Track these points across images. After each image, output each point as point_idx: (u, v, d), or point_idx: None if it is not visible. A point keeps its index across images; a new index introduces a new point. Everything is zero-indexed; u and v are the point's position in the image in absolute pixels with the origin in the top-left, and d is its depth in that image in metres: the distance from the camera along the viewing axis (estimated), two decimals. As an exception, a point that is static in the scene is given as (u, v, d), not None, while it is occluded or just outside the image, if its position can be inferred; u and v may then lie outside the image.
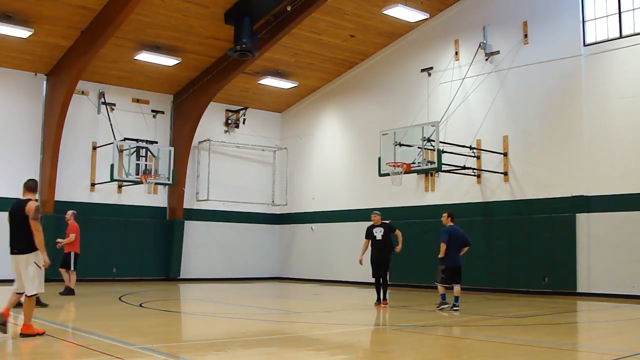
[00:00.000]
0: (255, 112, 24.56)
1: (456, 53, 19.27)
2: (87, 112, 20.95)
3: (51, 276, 14.82)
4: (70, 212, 15.00)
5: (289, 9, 18.01)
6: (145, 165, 20.20)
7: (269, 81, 22.16)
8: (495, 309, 13.40)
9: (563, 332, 9.86)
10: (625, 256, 15.30)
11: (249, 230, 24.18)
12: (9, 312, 8.16)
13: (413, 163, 16.09)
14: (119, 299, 14.38)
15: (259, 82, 22.22)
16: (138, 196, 21.82)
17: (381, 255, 13.08)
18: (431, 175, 19.54)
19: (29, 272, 8.01)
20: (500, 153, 17.91)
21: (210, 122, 23.25)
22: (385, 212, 14.39)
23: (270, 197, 24.79)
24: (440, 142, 16.07)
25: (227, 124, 24.02)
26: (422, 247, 17.28)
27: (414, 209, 19.74)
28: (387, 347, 8.34)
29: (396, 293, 16.51)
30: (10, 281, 16.90)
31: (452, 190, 18.93)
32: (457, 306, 11.99)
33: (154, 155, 20.17)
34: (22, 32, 17.20)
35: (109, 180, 19.57)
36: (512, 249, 17.44)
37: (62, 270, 14.61)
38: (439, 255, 12.24)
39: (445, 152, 16.72)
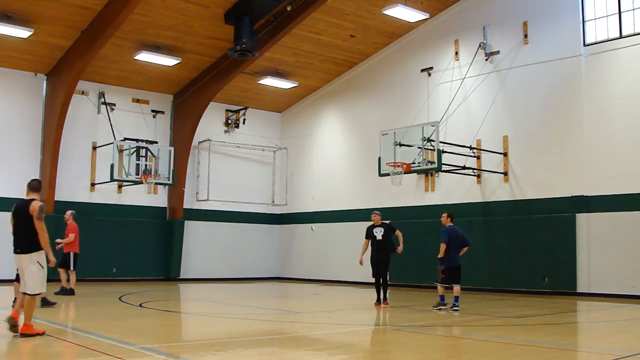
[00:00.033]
0: (255, 112, 24.57)
1: (456, 53, 19.27)
2: (87, 112, 20.95)
3: (52, 276, 14.78)
4: (69, 212, 15.00)
5: (289, 9, 18.01)
6: (145, 165, 20.20)
7: (269, 81, 22.16)
8: (495, 309, 13.40)
9: (563, 332, 9.86)
10: (625, 256, 15.30)
11: (249, 230, 24.18)
12: (19, 313, 8.22)
13: (413, 163, 16.09)
14: (119, 299, 14.38)
15: (259, 82, 22.22)
16: (138, 196, 21.83)
17: (381, 255, 13.07)
18: (431, 175, 19.55)
19: (32, 271, 8.03)
20: (500, 153, 17.91)
21: (210, 122, 23.26)
22: (385, 212, 14.40)
23: (270, 197, 24.79)
24: (440, 142, 16.07)
25: (227, 124, 24.02)
26: (422, 247, 17.28)
27: (414, 209, 19.74)
28: (387, 347, 8.34)
29: (396, 293, 16.50)
30: (10, 281, 16.87)
31: (452, 190, 18.93)
32: (457, 306, 11.98)
33: (154, 155, 20.17)
34: (22, 32, 17.20)
35: (109, 180, 19.57)
36: (512, 249, 17.44)
37: (61, 270, 14.61)
38: (439, 256, 12.25)
39: (445, 152, 16.72)
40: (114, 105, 21.42)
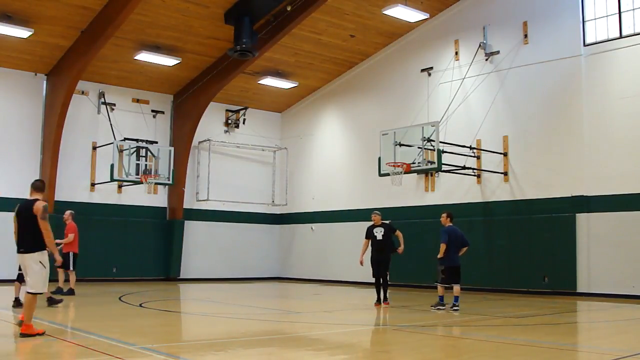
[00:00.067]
0: (255, 112, 24.57)
1: (456, 53, 19.27)
2: (87, 112, 20.95)
3: (52, 277, 14.78)
4: (68, 212, 14.98)
5: (289, 9, 18.01)
6: (145, 165, 20.21)
7: (269, 81, 22.16)
8: (495, 309, 13.40)
9: (563, 332, 9.86)
10: (625, 256, 15.30)
11: (249, 230, 24.18)
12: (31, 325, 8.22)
13: (413, 163, 16.09)
14: (119, 299, 14.38)
15: (259, 82, 22.22)
16: (138, 196, 21.83)
17: (381, 255, 13.06)
18: (431, 175, 19.55)
19: (34, 271, 8.06)
20: (500, 153, 17.91)
21: (210, 122, 23.26)
22: (385, 212, 14.40)
23: (270, 197, 24.79)
24: (440, 142, 16.07)
25: (227, 124, 24.02)
26: (422, 247, 17.28)
27: (414, 209, 19.74)
28: (387, 347, 8.34)
29: (396, 293, 16.50)
30: (10, 281, 16.84)
31: (452, 190, 18.93)
32: (457, 306, 11.99)
33: (154, 155, 20.17)
34: (22, 32, 17.20)
35: (109, 180, 19.57)
36: (512, 249, 17.44)
37: (60, 271, 14.60)
38: (438, 256, 12.25)
39: (445, 152, 16.72)
40: (114, 105, 21.42)
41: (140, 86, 21.88)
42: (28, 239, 8.13)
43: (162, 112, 22.63)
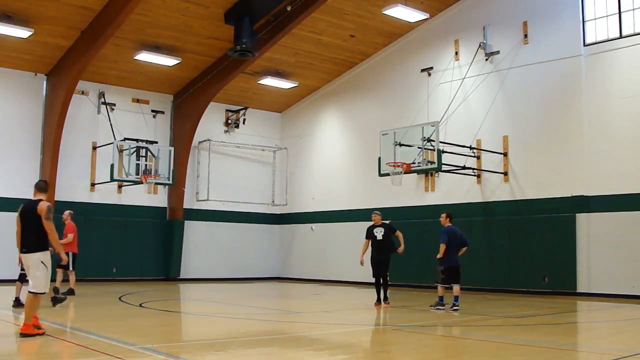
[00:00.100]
0: (255, 112, 24.57)
1: (456, 53, 19.27)
2: (87, 112, 20.95)
3: (52, 277, 14.78)
4: (67, 212, 14.97)
5: (289, 9, 18.01)
6: (145, 165, 20.21)
7: (269, 81, 22.16)
8: (495, 309, 13.40)
9: (563, 332, 9.86)
10: (625, 256, 15.30)
11: (249, 230, 24.18)
12: (37, 318, 8.33)
13: (413, 163, 16.09)
14: (119, 299, 14.38)
15: (259, 82, 22.22)
16: (138, 196, 21.83)
17: (381, 255, 13.07)
18: (431, 175, 19.54)
19: (36, 271, 8.09)
20: (500, 153, 17.91)
21: (210, 122, 23.26)
22: (385, 212, 14.40)
23: (270, 197, 24.79)
24: (440, 142, 16.07)
25: (227, 124, 24.03)
26: (422, 247, 17.27)
27: (414, 209, 19.74)
28: (387, 347, 8.34)
29: (396, 293, 16.49)
30: (10, 281, 16.81)
31: (452, 190, 18.93)
32: (457, 305, 11.99)
33: (154, 155, 20.17)
34: (22, 32, 17.20)
35: (109, 180, 19.57)
36: (512, 249, 17.44)
37: (59, 271, 14.59)
38: (438, 256, 12.25)
39: (445, 152, 16.71)
40: (114, 105, 21.42)
41: (140, 86, 21.88)
42: (31, 239, 8.17)
43: (162, 112, 22.63)
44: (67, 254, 14.47)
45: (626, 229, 15.36)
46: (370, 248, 13.32)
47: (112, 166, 19.13)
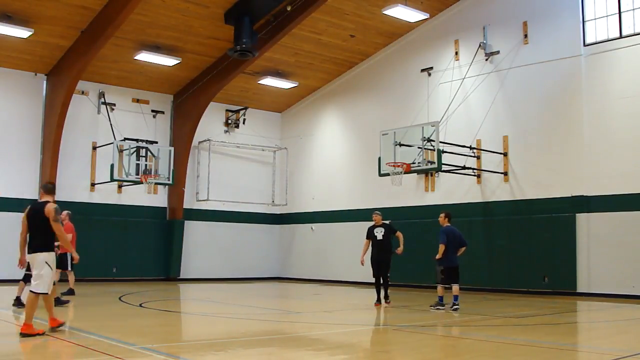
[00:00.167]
0: (255, 112, 24.57)
1: (456, 53, 19.27)
2: (87, 112, 20.95)
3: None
4: (65, 213, 14.92)
5: (289, 9, 18.01)
6: (145, 165, 20.21)
7: (269, 81, 22.16)
8: (495, 309, 13.40)
9: (563, 332, 9.86)
10: (625, 256, 15.30)
11: (249, 230, 24.18)
12: (55, 318, 8.48)
13: (413, 163, 16.09)
14: (119, 299, 14.38)
15: (259, 82, 22.22)
16: (138, 196, 21.83)
17: (382, 255, 13.07)
18: (431, 175, 19.54)
19: (40, 271, 8.15)
20: (500, 153, 17.91)
21: (210, 122, 23.26)
22: (385, 212, 14.40)
23: (270, 197, 24.79)
24: (440, 142, 16.07)
25: (227, 124, 24.03)
26: (422, 247, 17.26)
27: (414, 209, 19.74)
28: (387, 347, 8.34)
29: (396, 293, 16.49)
30: (10, 281, 16.81)
31: (452, 190, 18.93)
32: (457, 305, 12.00)
33: (154, 155, 20.17)
34: (22, 32, 17.20)
35: (109, 180, 19.57)
36: (512, 249, 17.44)
37: (57, 271, 14.56)
38: (437, 257, 12.25)
39: (445, 152, 16.72)
40: (114, 105, 21.42)
41: (140, 86, 21.88)
42: (36, 240, 8.24)
43: (162, 112, 22.63)
44: (65, 254, 14.51)
45: (626, 229, 15.36)
46: (370, 248, 13.33)
47: (112, 166, 19.13)
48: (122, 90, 21.62)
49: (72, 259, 14.57)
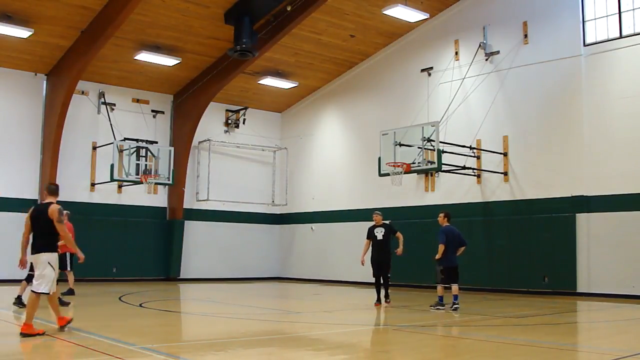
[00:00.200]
0: (255, 112, 24.57)
1: (456, 53, 19.27)
2: (87, 112, 20.96)
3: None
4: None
5: (289, 9, 18.01)
6: (145, 165, 20.21)
7: (269, 81, 22.16)
8: (495, 309, 13.40)
9: (563, 332, 9.86)
10: (625, 256, 15.30)
11: (249, 230, 24.18)
12: (62, 317, 8.51)
13: (413, 163, 16.09)
14: (119, 299, 14.38)
15: (259, 82, 22.22)
16: (138, 196, 21.82)
17: (382, 255, 13.08)
18: (431, 175, 19.54)
19: (42, 271, 8.19)
20: (500, 153, 17.91)
21: (210, 122, 23.26)
22: (385, 212, 14.40)
23: (270, 197, 24.79)
24: (440, 142, 16.07)
25: (227, 124, 24.03)
26: (422, 247, 17.24)
27: (414, 209, 19.74)
28: (387, 347, 8.34)
29: (396, 293, 16.48)
30: (10, 281, 16.82)
31: (452, 190, 18.93)
32: (457, 304, 12.01)
33: (154, 155, 20.17)
34: (22, 32, 17.20)
35: (109, 180, 19.58)
36: (512, 249, 17.44)
37: (57, 271, 14.56)
38: (436, 257, 12.26)
39: (445, 152, 16.72)
40: (114, 105, 21.42)
41: (140, 86, 21.88)
42: (40, 240, 8.29)
43: (162, 112, 22.63)
44: (64, 254, 14.51)
45: (626, 229, 15.36)
46: (370, 248, 13.33)
47: (112, 166, 19.13)
48: (122, 90, 21.62)
49: (71, 259, 14.62)
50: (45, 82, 20.23)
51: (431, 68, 19.87)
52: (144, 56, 19.40)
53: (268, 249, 24.64)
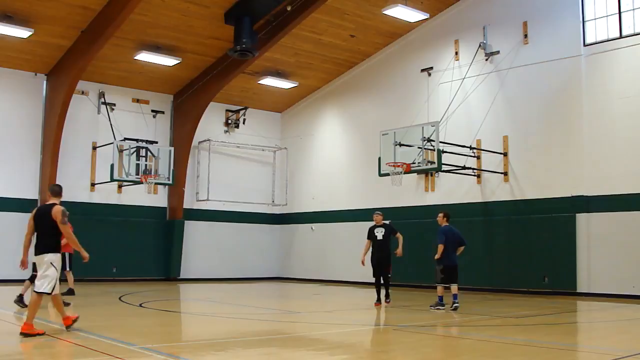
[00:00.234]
0: (255, 112, 24.57)
1: (456, 53, 19.27)
2: (87, 112, 20.95)
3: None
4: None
5: (289, 9, 18.01)
6: (145, 165, 20.21)
7: (269, 81, 22.16)
8: (495, 309, 13.40)
9: (563, 332, 9.86)
10: (625, 256, 15.30)
11: (249, 230, 24.18)
12: (67, 316, 8.49)
13: (413, 163, 16.09)
14: (119, 299, 14.38)
15: (259, 82, 22.22)
16: (138, 196, 21.81)
17: (382, 255, 13.08)
18: (431, 175, 19.54)
19: (44, 272, 8.21)
20: (500, 153, 17.91)
21: (210, 122, 23.26)
22: (385, 212, 14.40)
23: (270, 197, 24.79)
24: (440, 142, 16.07)
25: (227, 124, 24.02)
26: (422, 247, 17.25)
27: (414, 209, 19.74)
28: (387, 347, 8.34)
29: (396, 293, 16.47)
30: (10, 281, 16.82)
31: (452, 190, 18.93)
32: (457, 302, 12.03)
33: (154, 155, 20.17)
34: (22, 32, 17.20)
35: (109, 180, 19.58)
36: (512, 249, 17.44)
37: None
38: (436, 257, 12.26)
39: (445, 152, 16.72)
40: (114, 105, 21.42)
41: (140, 86, 21.88)
42: (43, 241, 8.33)
43: (162, 112, 22.63)
44: (63, 254, 14.49)
45: (626, 229, 15.36)
46: (370, 248, 13.34)
47: (112, 166, 19.13)
48: (122, 90, 21.62)
49: (70, 258, 14.63)
50: (45, 82, 20.23)
51: (431, 68, 19.87)
52: (144, 56, 19.40)
53: (268, 249, 24.64)
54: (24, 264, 8.68)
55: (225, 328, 10.07)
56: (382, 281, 13.12)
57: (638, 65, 15.67)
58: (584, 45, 16.62)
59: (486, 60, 18.39)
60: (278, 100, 24.36)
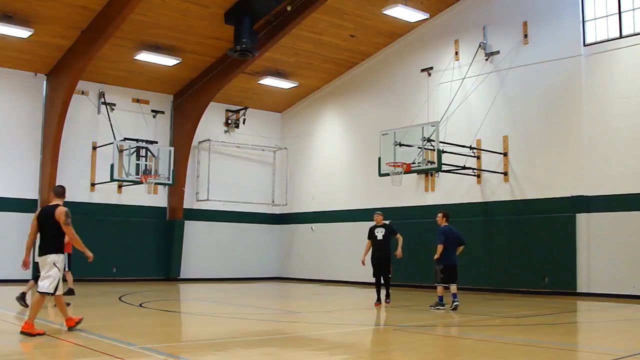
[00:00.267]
0: (255, 112, 24.57)
1: (456, 53, 19.27)
2: (87, 112, 20.96)
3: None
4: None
5: (289, 9, 18.01)
6: (145, 165, 20.21)
7: (269, 81, 22.16)
8: (495, 309, 13.40)
9: (563, 332, 9.86)
10: (625, 256, 15.30)
11: (249, 230, 24.18)
12: (70, 318, 8.55)
13: (413, 163, 16.09)
14: (119, 299, 14.38)
15: (259, 82, 22.22)
16: (138, 196, 21.81)
17: (382, 255, 13.07)
18: (431, 175, 19.54)
19: (47, 272, 8.24)
20: (500, 153, 17.91)
21: (210, 122, 23.26)
22: (385, 212, 14.40)
23: (270, 197, 24.79)
24: (440, 142, 16.08)
25: (227, 124, 24.02)
26: (422, 247, 17.24)
27: (413, 209, 19.74)
28: (387, 347, 8.34)
29: (396, 293, 16.47)
30: (10, 281, 16.81)
31: (452, 190, 18.93)
32: (456, 301, 12.05)
33: (154, 155, 20.17)
34: (22, 32, 17.20)
35: (109, 180, 19.58)
36: (512, 249, 17.44)
37: None
38: (435, 257, 12.26)
39: (445, 152, 16.72)
40: (114, 105, 21.42)
41: (140, 86, 21.88)
42: (47, 242, 8.37)
43: (162, 112, 22.63)
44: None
45: (626, 229, 15.36)
46: (371, 248, 13.34)
47: (112, 166, 19.13)
48: (122, 90, 21.62)
49: (69, 259, 14.61)
50: (45, 82, 20.23)
51: (431, 68, 19.87)
52: (144, 56, 19.40)
53: (268, 249, 24.64)
54: (26, 264, 8.69)
55: (225, 328, 10.07)
56: (382, 281, 13.12)
57: (638, 65, 15.67)
58: (584, 45, 16.62)
59: (486, 60, 18.39)
60: (278, 100, 24.36)
